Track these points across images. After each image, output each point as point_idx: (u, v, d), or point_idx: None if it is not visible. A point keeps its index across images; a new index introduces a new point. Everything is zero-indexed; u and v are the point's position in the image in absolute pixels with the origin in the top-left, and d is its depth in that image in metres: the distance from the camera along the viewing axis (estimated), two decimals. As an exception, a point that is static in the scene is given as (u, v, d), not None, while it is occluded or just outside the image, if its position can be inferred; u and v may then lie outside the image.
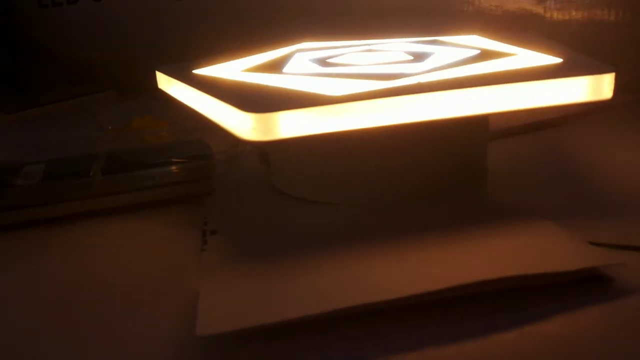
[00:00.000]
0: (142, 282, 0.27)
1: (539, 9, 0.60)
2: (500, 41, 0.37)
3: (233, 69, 0.35)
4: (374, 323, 0.22)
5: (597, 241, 0.25)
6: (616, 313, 0.21)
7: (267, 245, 0.28)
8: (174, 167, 0.35)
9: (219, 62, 0.38)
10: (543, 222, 0.26)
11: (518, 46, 0.35)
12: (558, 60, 0.31)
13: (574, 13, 0.59)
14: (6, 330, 0.25)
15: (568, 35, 0.58)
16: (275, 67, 0.35)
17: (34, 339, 0.24)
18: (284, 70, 0.34)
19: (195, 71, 0.36)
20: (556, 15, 0.59)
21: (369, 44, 0.39)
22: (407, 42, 0.39)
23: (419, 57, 0.35)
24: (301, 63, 0.36)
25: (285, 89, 0.29)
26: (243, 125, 0.26)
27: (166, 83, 0.37)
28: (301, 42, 0.42)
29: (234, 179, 0.37)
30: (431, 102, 0.26)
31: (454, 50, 0.36)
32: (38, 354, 0.23)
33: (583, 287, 0.23)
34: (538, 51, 0.33)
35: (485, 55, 0.34)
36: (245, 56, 0.39)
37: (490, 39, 0.38)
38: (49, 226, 0.34)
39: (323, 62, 0.36)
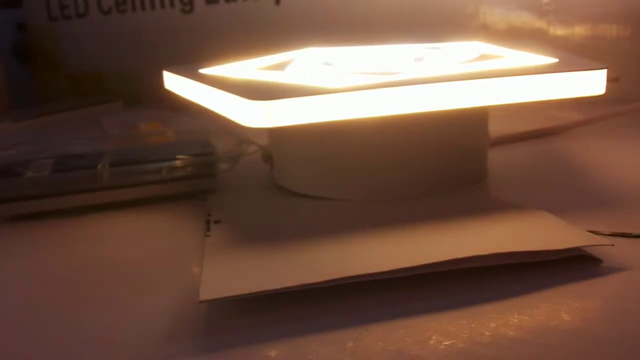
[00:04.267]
0: (146, 268, 0.28)
1: (542, 23, 0.61)
2: (500, 45, 0.38)
3: (238, 69, 0.36)
4: (368, 293, 0.23)
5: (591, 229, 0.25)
6: (601, 292, 0.22)
7: (268, 232, 0.29)
8: (179, 162, 0.36)
9: (225, 64, 0.39)
10: (538, 211, 0.27)
11: (517, 49, 0.36)
12: (554, 60, 0.32)
13: (576, 27, 0.60)
14: (17, 312, 0.25)
15: (571, 48, 0.59)
16: (279, 67, 0.36)
17: (43, 321, 0.24)
18: (288, 69, 0.35)
19: (202, 70, 0.37)
20: (559, 29, 0.61)
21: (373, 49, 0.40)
22: (410, 46, 0.40)
23: (421, 57, 0.36)
24: (305, 63, 0.37)
25: (287, 83, 0.30)
26: (246, 112, 0.27)
27: (172, 82, 0.38)
28: (306, 47, 0.43)
29: (238, 176, 0.38)
30: (428, 94, 0.27)
31: (455, 51, 0.37)
32: (49, 333, 0.23)
33: (572, 266, 0.23)
34: (535, 53, 0.34)
35: (484, 56, 0.35)
36: (251, 59, 0.40)
37: (491, 44, 0.39)
38: (58, 218, 0.34)
39: (327, 63, 0.37)
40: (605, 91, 0.28)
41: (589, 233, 0.25)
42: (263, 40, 0.62)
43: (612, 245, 0.23)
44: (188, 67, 0.38)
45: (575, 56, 0.32)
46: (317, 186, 0.33)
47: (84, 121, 0.65)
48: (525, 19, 0.62)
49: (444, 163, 0.32)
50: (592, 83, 0.28)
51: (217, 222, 0.31)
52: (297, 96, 0.26)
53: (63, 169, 0.36)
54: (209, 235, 0.29)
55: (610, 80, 0.28)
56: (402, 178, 0.31)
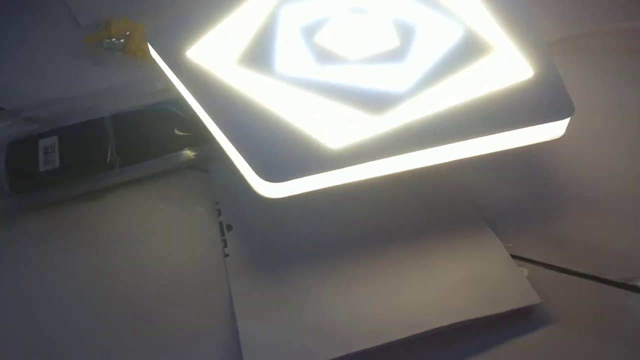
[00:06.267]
0: (164, 238, 0.36)
1: None
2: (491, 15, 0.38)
3: (226, 60, 0.37)
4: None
5: (526, 257, 0.33)
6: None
7: (280, 260, 0.34)
8: (184, 151, 0.39)
9: (208, 32, 0.39)
10: (494, 247, 0.34)
11: (504, 32, 0.37)
12: (529, 75, 0.34)
13: None
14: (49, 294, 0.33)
15: None
16: (265, 52, 0.37)
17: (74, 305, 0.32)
18: (277, 67, 0.36)
19: (189, 55, 0.37)
20: None
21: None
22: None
23: (403, 38, 0.37)
24: (291, 47, 0.38)
25: (288, 133, 0.32)
26: (256, 183, 0.31)
27: (162, 67, 0.38)
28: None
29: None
30: (413, 160, 0.31)
31: (437, 33, 0.38)
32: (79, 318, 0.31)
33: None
34: (518, 49, 0.36)
35: (466, 46, 0.37)
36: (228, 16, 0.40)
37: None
38: (73, 202, 0.39)
39: (314, 45, 0.37)
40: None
41: (528, 287, 0.32)
42: None
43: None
44: (172, 39, 0.38)
45: (551, 72, 0.34)
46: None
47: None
48: None
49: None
50: (554, 131, 0.33)
51: (229, 228, 0.36)
52: (305, 174, 0.30)
53: (70, 154, 0.39)
54: (227, 255, 0.35)
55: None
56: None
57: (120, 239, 0.37)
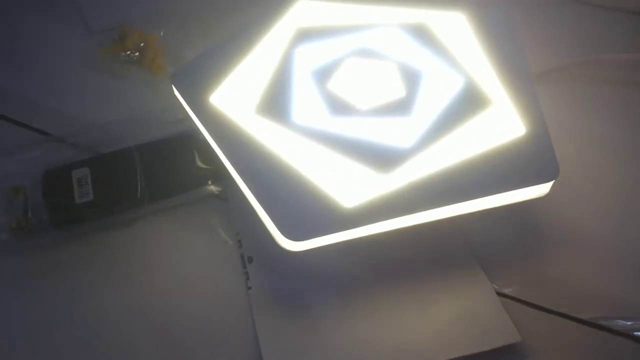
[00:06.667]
0: (191, 267, 0.41)
1: None
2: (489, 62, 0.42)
3: (246, 108, 0.40)
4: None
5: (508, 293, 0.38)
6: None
7: (298, 293, 0.39)
8: (209, 187, 0.43)
9: (228, 75, 0.42)
10: (484, 287, 0.39)
11: (502, 84, 0.41)
12: (520, 133, 0.39)
13: None
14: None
15: None
16: (281, 101, 0.40)
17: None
18: (293, 117, 0.40)
19: (212, 101, 0.40)
20: None
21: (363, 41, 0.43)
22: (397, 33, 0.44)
23: (409, 87, 0.41)
24: (305, 95, 0.41)
25: (307, 191, 0.36)
26: (280, 239, 0.35)
27: (187, 109, 0.41)
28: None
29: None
30: (416, 217, 0.36)
31: (439, 83, 0.41)
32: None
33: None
34: (513, 104, 0.40)
35: (466, 99, 0.40)
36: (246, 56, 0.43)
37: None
38: (104, 231, 0.43)
39: (327, 93, 0.41)
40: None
41: (511, 326, 0.37)
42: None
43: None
44: (195, 85, 0.41)
45: (542, 130, 0.38)
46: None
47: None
48: None
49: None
50: (539, 189, 0.37)
51: (250, 260, 0.41)
52: (324, 234, 0.35)
53: (102, 186, 0.42)
54: (250, 288, 0.40)
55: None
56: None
57: (151, 267, 0.41)
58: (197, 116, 0.40)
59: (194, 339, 0.38)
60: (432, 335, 0.37)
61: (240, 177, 0.37)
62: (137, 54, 0.54)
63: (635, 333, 0.37)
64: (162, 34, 0.55)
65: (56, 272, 0.41)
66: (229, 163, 0.38)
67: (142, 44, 0.55)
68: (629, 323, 0.38)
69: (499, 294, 0.39)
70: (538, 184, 0.37)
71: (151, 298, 0.40)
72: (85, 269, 0.41)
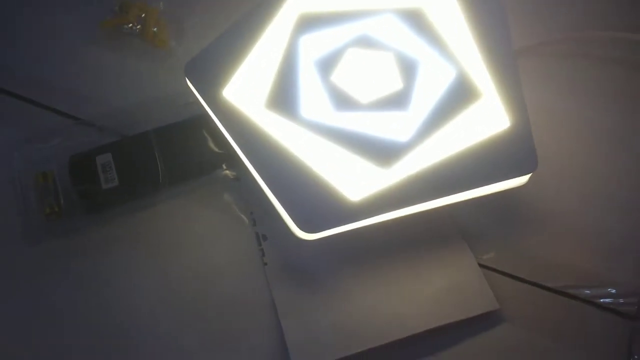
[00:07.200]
0: (212, 244, 0.47)
1: None
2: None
3: (256, 102, 0.44)
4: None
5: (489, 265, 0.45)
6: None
7: (310, 268, 0.45)
8: (225, 171, 0.48)
9: (238, 67, 0.45)
10: (468, 259, 0.45)
11: (490, 74, 0.45)
12: (505, 126, 0.43)
13: None
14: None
15: None
16: (289, 95, 0.44)
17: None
18: (301, 112, 0.44)
19: (225, 95, 0.44)
20: None
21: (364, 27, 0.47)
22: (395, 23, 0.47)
23: (406, 79, 0.45)
24: (311, 88, 0.44)
25: (317, 185, 0.41)
26: (294, 229, 0.41)
27: (200, 101, 0.45)
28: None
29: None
30: (414, 208, 0.41)
31: (433, 74, 0.45)
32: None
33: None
34: (500, 96, 0.44)
35: (458, 91, 0.44)
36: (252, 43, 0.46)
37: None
38: (129, 214, 0.47)
39: (330, 86, 0.45)
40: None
41: (490, 295, 0.44)
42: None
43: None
44: (208, 78, 0.44)
45: (524, 125, 0.43)
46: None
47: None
48: None
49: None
50: (519, 180, 0.43)
51: (265, 238, 0.46)
52: (335, 226, 0.40)
53: (126, 172, 0.46)
54: (266, 264, 0.45)
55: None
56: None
57: (176, 247, 0.46)
58: (213, 112, 0.44)
59: (217, 311, 0.44)
60: (424, 302, 0.44)
61: (257, 172, 0.42)
62: (139, 26, 0.56)
63: (599, 300, 0.44)
64: (161, 6, 0.57)
65: (94, 252, 0.46)
66: (245, 159, 0.42)
67: (143, 15, 0.56)
68: (593, 291, 0.44)
69: (481, 265, 0.45)
70: (519, 176, 0.42)
71: (177, 275, 0.45)
72: (116, 251, 0.46)
